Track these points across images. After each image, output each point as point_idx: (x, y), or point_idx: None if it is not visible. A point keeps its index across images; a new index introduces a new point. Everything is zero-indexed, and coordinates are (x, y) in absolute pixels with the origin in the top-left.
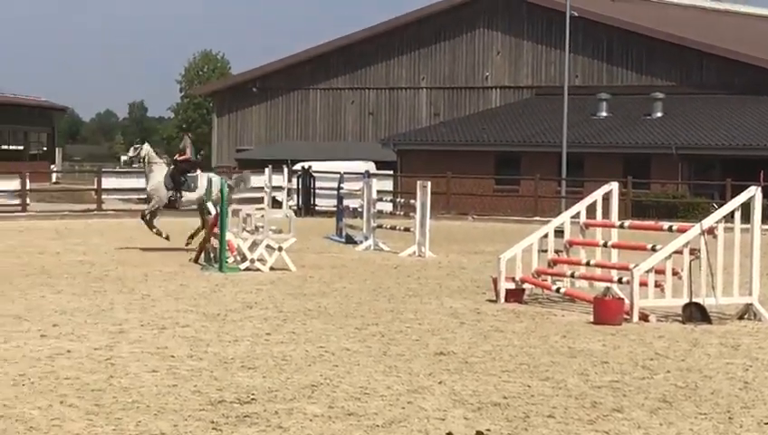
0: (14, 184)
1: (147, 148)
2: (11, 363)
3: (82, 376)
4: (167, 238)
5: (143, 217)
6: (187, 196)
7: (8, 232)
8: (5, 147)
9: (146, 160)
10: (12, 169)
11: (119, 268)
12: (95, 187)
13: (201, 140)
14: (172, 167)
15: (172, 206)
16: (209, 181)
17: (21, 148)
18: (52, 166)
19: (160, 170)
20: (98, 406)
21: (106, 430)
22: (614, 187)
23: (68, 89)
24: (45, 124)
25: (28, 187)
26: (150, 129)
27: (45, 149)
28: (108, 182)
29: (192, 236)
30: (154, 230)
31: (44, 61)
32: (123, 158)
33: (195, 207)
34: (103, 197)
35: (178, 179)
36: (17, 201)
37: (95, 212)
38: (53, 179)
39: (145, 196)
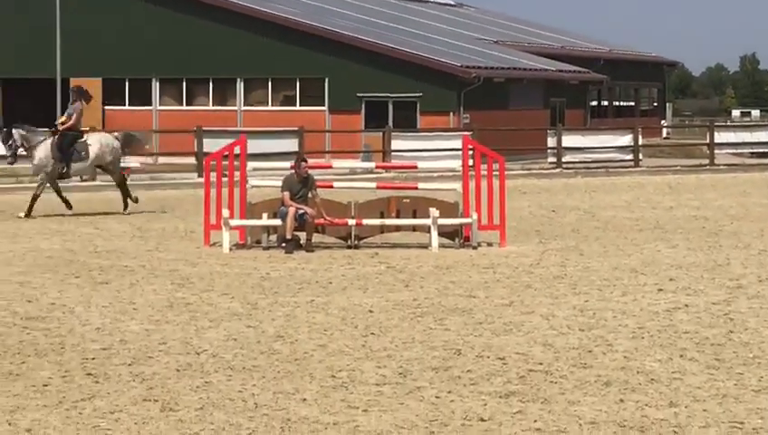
0: (626, 139)
1: (17, 133)
2: (629, 316)
3: (701, 330)
4: (68, 206)
5: (33, 198)
6: (77, 166)
7: (621, 187)
8: (617, 103)
9: (25, 145)
10: (624, 125)
11: (733, 223)
12: (707, 141)
13: None
14: (56, 137)
15: (63, 177)
16: (101, 143)
17: (632, 103)
18: (662, 121)
19: (44, 146)
20: (718, 360)
21: (727, 384)
22: None
23: (679, 43)
24: (656, 79)
25: (640, 142)
26: (761, 81)
27: (656, 104)
28: (720, 136)
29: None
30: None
31: (656, 16)
32: (6, 153)
33: (87, 176)
34: (715, 151)
35: (66, 150)
36: (630, 156)
37: (707, 167)
38: (664, 134)
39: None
